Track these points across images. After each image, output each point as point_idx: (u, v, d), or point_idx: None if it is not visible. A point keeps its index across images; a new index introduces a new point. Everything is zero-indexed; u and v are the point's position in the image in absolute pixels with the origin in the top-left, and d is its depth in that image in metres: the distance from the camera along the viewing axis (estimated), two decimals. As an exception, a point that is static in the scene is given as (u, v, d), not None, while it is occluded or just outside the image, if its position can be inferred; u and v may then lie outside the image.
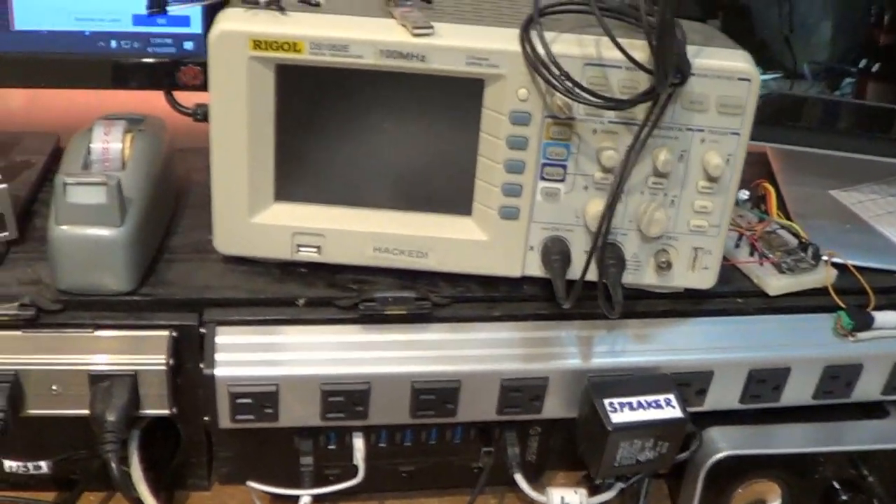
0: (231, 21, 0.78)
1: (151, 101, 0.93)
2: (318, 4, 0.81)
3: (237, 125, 0.79)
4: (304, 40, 0.77)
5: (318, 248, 0.83)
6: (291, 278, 0.84)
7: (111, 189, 0.79)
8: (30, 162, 0.94)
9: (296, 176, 0.82)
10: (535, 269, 0.84)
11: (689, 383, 0.84)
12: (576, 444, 0.85)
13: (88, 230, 0.79)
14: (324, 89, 0.80)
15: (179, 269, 0.85)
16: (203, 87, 0.87)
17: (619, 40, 0.76)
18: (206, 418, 0.81)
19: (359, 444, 0.84)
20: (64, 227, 0.79)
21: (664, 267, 0.83)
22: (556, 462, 0.90)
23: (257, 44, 0.77)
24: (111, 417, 0.78)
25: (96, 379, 0.79)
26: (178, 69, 0.87)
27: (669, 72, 0.75)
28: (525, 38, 0.77)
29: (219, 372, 0.79)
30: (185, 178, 0.97)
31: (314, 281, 0.84)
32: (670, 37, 0.74)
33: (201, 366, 0.79)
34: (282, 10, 0.79)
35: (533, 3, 0.79)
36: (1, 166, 0.92)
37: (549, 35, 0.77)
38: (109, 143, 0.84)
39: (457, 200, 0.83)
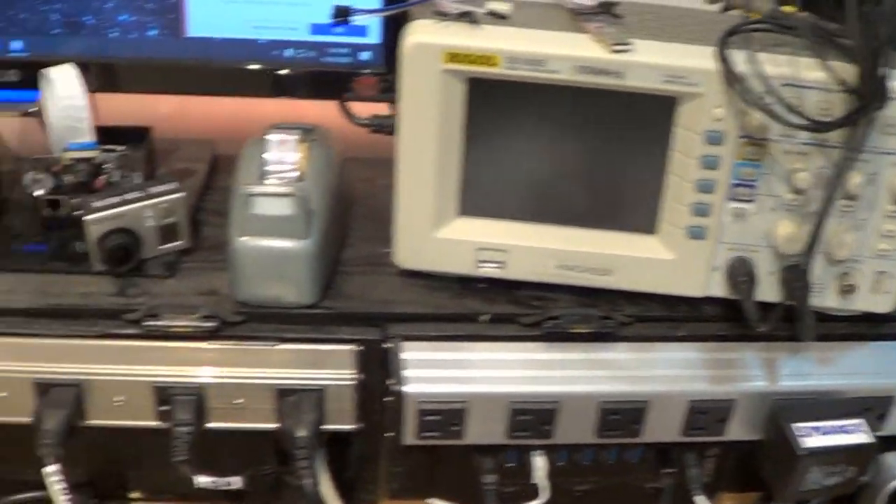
0: (425, 33, 0.78)
1: (300, 109, 0.94)
2: (505, 17, 0.82)
3: (426, 138, 0.80)
4: (500, 54, 0.78)
5: (502, 263, 0.84)
6: (471, 293, 0.85)
7: (299, 200, 0.80)
8: (190, 169, 0.95)
9: (480, 190, 0.83)
10: (718, 289, 0.84)
11: (871, 408, 0.85)
12: (758, 466, 0.86)
13: (274, 242, 0.80)
14: (513, 103, 0.80)
15: (357, 282, 0.86)
16: (378, 98, 0.88)
17: (815, 61, 0.77)
18: (388, 434, 0.82)
19: (540, 463, 0.85)
20: (247, 239, 0.80)
21: (848, 290, 0.84)
22: (728, 483, 0.91)
23: (451, 56, 0.78)
24: (302, 433, 0.79)
25: (284, 393, 0.80)
26: (353, 79, 0.88)
27: (880, 95, 0.76)
28: (723, 56, 0.78)
29: (409, 388, 0.80)
30: (350, 189, 0.98)
31: (494, 297, 0.85)
32: (884, 60, 0.76)
33: (389, 382, 0.81)
34: (474, 22, 0.80)
35: (740, 19, 0.80)
36: (162, 173, 0.93)
37: (746, 54, 0.78)
38: (285, 153, 0.85)
39: (640, 218, 0.84)
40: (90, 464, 0.87)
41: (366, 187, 0.96)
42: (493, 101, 0.80)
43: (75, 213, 0.86)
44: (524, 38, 0.78)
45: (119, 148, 0.90)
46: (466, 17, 0.80)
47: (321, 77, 0.89)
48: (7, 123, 0.91)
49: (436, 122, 0.80)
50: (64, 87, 0.85)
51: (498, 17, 0.81)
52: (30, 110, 0.89)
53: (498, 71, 0.78)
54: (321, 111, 0.93)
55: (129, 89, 0.90)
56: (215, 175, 0.98)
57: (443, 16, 0.80)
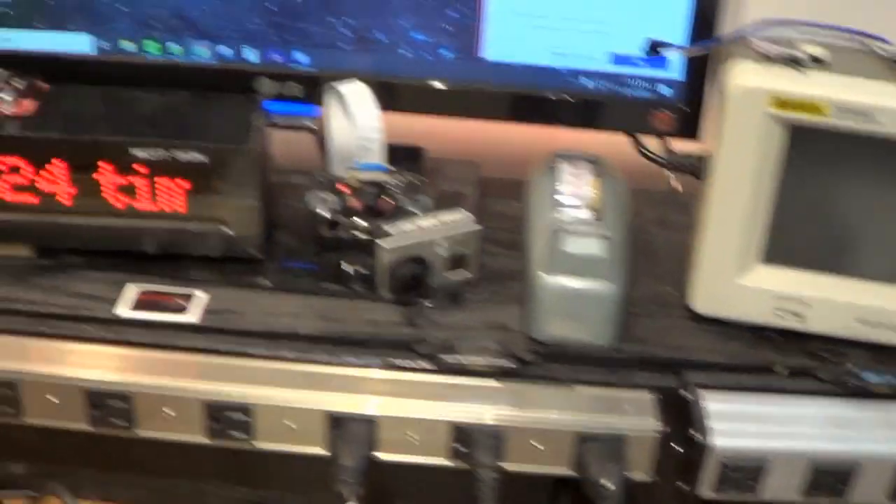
0: (751, 76, 0.77)
1: (554, 134, 0.92)
2: (824, 62, 0.80)
3: (740, 182, 0.79)
4: (830, 103, 0.76)
5: (802, 315, 0.82)
6: (763, 343, 0.83)
7: (610, 242, 0.78)
8: (461, 193, 0.93)
9: (786, 239, 0.81)
10: None
11: None
12: None
13: (582, 283, 0.78)
14: (829, 153, 0.78)
15: (647, 324, 0.84)
16: (673, 134, 0.86)
17: None
18: (682, 486, 0.81)
19: (825, 522, 0.84)
20: (554, 277, 0.79)
21: None
22: None
23: (778, 102, 0.77)
24: (609, 483, 0.77)
25: (584, 439, 0.79)
26: (650, 113, 0.86)
27: None
28: None
29: (714, 441, 0.78)
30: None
31: (787, 347, 0.83)
32: None
33: (692, 433, 0.79)
34: (799, 67, 0.78)
35: None
36: (434, 195, 0.91)
37: None
38: (579, 187, 0.84)
39: (942, 276, 0.83)
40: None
41: (634, 220, 0.95)
42: (811, 150, 0.78)
43: (355, 234, 0.85)
44: (853, 87, 0.76)
45: (404, 172, 0.87)
46: (790, 61, 0.79)
47: (618, 109, 0.87)
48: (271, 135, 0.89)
49: (752, 166, 0.78)
50: (357, 104, 0.83)
51: (817, 62, 0.80)
52: (307, 124, 0.86)
53: (824, 120, 0.76)
54: (579, 138, 0.92)
55: (413, 110, 0.87)
56: (484, 199, 0.96)
57: (764, 58, 0.79)
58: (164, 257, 0.86)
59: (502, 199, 0.95)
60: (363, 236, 0.84)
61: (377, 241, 0.81)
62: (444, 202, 0.87)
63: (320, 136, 0.86)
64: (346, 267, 0.85)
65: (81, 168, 0.83)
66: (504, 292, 0.85)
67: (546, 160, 0.87)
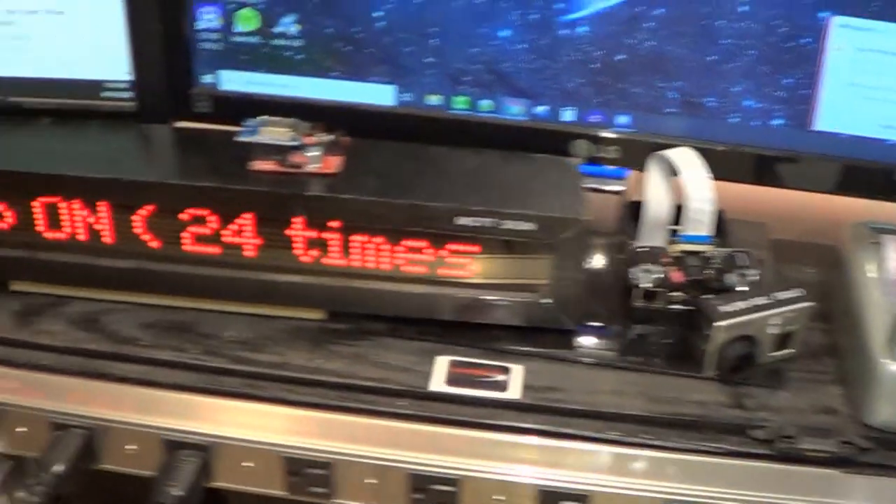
0: None
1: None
2: None
3: None
4: None
5: None
6: None
7: (959, 328, 0.76)
8: (756, 257, 0.89)
9: None
10: None
11: None
12: None
13: (922, 369, 0.77)
14: None
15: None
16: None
17: None
18: None
19: None
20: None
21: None
22: None
23: None
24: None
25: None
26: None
27: None
28: None
29: None
30: None
31: None
32: None
33: None
34: None
35: None
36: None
37: None
38: (905, 264, 0.81)
39: None
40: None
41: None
42: None
43: (672, 307, 0.81)
44: None
45: (728, 244, 0.83)
46: None
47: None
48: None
49: None
50: (689, 172, 0.79)
51: None
52: (615, 188, 0.82)
53: None
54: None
55: (730, 177, 0.83)
56: (779, 265, 0.91)
57: None
58: (468, 324, 0.82)
59: (790, 264, 0.92)
60: (681, 308, 0.82)
61: (714, 320, 0.78)
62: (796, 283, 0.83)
63: (627, 200, 0.83)
64: (659, 340, 0.83)
65: (395, 233, 0.79)
66: (821, 370, 0.83)
67: (860, 232, 0.85)
